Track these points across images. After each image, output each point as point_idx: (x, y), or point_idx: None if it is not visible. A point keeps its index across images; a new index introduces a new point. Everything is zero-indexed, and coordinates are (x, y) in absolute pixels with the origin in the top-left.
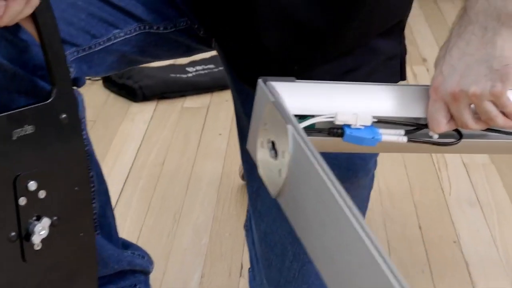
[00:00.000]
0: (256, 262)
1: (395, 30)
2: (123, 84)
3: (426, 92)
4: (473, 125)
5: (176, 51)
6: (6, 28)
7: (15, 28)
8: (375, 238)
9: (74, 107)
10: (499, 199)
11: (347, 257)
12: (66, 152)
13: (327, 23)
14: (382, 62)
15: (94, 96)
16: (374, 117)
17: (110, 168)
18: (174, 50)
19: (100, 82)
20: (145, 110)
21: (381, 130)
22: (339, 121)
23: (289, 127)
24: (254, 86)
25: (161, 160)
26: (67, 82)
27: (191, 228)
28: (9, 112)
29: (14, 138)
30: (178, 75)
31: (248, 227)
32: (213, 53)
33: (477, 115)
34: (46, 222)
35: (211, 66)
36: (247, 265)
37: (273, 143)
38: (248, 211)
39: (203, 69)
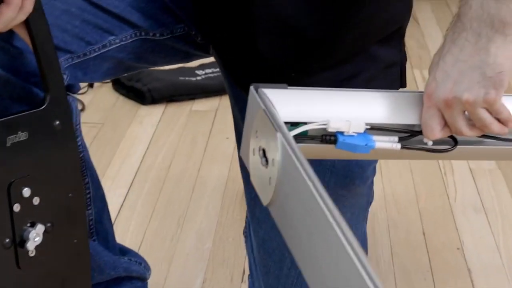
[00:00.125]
0: (255, 268)
1: (395, 37)
2: (132, 87)
3: (420, 98)
4: (467, 132)
5: (174, 58)
6: None
7: (8, 34)
8: (359, 249)
9: (68, 114)
10: (504, 205)
11: (332, 267)
12: (59, 158)
13: (323, 31)
14: (381, 69)
15: (103, 98)
16: (367, 124)
17: (116, 171)
18: (171, 57)
19: (110, 84)
20: (153, 113)
21: (375, 137)
22: (332, 128)
23: (278, 135)
24: None
25: (168, 164)
26: (61, 89)
27: (194, 233)
28: (3, 119)
29: (8, 144)
30: (187, 78)
31: (247, 234)
32: None
33: (472, 121)
34: (40, 228)
35: None
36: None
37: (264, 151)
38: (247, 217)
39: (213, 72)
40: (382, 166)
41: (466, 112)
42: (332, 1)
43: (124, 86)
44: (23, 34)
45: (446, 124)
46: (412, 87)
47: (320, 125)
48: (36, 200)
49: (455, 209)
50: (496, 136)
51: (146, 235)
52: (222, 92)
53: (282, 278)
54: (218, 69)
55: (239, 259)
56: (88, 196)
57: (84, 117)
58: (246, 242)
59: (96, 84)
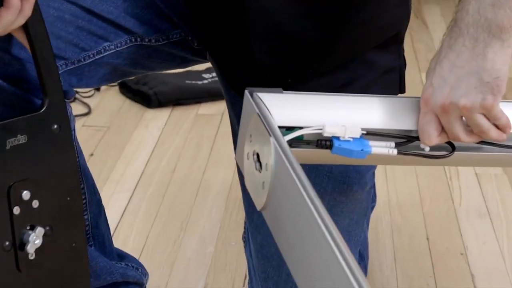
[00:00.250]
0: (254, 274)
1: (392, 42)
2: (138, 90)
3: (417, 104)
4: (465, 138)
5: (171, 63)
6: None
7: (4, 40)
8: (349, 256)
9: (66, 118)
10: (509, 210)
11: (322, 272)
12: (58, 161)
13: (318, 37)
14: (379, 75)
15: (109, 101)
16: (363, 129)
17: (121, 174)
18: (168, 62)
19: (117, 88)
20: (159, 117)
21: (371, 143)
22: (327, 133)
23: (272, 139)
24: None
25: (172, 167)
26: (59, 93)
27: (197, 237)
28: (3, 122)
29: (8, 147)
30: (193, 82)
31: (246, 239)
32: None
33: (469, 127)
34: (40, 231)
35: None
36: None
37: (258, 155)
38: (245, 223)
39: None
40: (387, 170)
41: (463, 118)
42: (327, 7)
43: (130, 90)
44: (21, 38)
45: (443, 130)
46: (420, 91)
47: (316, 129)
48: (35, 203)
49: (459, 214)
50: (494, 142)
51: (149, 238)
52: None
53: (280, 283)
54: None
55: (241, 264)
56: (84, 201)
57: (90, 120)
58: (245, 247)
59: (103, 88)
